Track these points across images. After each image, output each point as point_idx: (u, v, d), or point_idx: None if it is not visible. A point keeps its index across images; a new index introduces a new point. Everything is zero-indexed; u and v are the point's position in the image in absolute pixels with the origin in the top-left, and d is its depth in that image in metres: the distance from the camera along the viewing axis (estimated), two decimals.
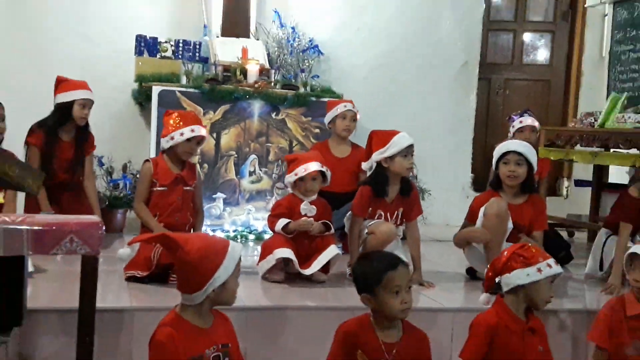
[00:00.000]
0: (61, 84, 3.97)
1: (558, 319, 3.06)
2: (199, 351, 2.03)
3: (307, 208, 3.37)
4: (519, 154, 3.40)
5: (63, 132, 3.96)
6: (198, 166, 3.81)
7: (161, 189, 3.30)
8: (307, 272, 3.31)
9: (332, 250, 3.35)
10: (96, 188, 4.20)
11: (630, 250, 2.70)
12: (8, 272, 2.32)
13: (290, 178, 3.41)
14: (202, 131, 3.39)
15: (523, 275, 2.36)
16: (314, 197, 3.42)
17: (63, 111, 3.93)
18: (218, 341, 2.09)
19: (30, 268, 2.84)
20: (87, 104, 3.96)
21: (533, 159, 3.44)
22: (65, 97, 3.92)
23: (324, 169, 3.40)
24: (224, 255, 2.04)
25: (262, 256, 3.35)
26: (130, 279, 3.15)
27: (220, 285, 2.04)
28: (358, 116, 4.45)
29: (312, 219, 3.35)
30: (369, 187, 3.40)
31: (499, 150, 3.49)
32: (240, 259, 2.10)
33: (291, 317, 2.89)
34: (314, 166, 3.36)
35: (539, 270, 2.35)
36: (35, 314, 2.59)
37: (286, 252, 3.26)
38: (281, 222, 3.32)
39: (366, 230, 3.41)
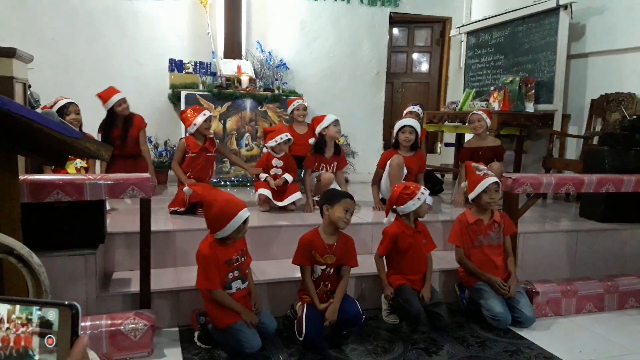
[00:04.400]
0: (101, 98, 3.67)
1: (435, 226, 3.12)
2: (229, 256, 2.04)
3: (277, 161, 3.34)
4: (411, 127, 3.41)
5: (117, 122, 3.67)
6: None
7: (192, 155, 3.21)
8: (282, 204, 3.30)
9: (297, 195, 3.33)
10: (149, 152, 3.95)
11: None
12: (94, 209, 2.29)
13: (272, 143, 3.32)
14: (209, 112, 3.27)
15: (411, 205, 2.40)
16: (282, 154, 3.38)
17: (110, 113, 3.67)
18: (239, 248, 2.10)
19: (107, 207, 2.78)
20: (121, 102, 3.65)
21: (418, 130, 3.45)
22: (107, 105, 3.65)
23: (290, 137, 3.38)
24: (232, 218, 1.99)
25: (256, 189, 3.35)
26: (172, 213, 3.11)
27: (227, 235, 2.02)
28: (306, 105, 4.17)
29: (278, 180, 3.31)
30: (312, 151, 3.41)
31: (398, 124, 3.46)
32: (246, 220, 2.02)
33: (274, 231, 2.91)
34: (286, 136, 3.34)
35: (418, 199, 2.40)
36: (112, 235, 2.56)
37: (265, 192, 3.26)
38: (262, 176, 3.32)
39: (315, 178, 3.40)
